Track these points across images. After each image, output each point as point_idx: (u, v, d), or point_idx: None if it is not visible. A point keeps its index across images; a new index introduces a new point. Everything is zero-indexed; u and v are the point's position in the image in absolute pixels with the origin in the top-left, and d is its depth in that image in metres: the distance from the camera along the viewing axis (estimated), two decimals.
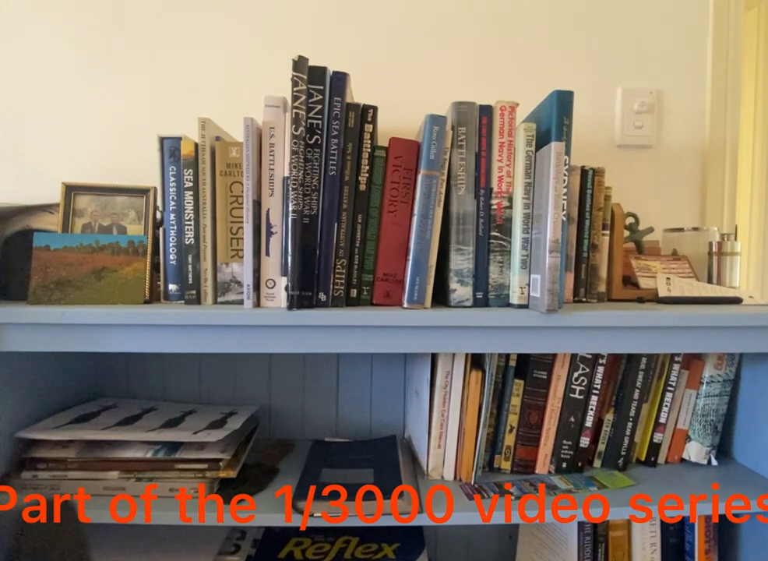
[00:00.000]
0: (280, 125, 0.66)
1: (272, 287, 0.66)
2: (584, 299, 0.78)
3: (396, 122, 0.98)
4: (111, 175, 0.96)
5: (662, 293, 0.79)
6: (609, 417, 0.80)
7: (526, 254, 0.67)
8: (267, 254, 0.66)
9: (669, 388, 0.80)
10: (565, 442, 0.78)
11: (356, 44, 0.97)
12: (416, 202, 0.66)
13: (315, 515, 0.65)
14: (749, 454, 0.82)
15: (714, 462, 0.82)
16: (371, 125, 0.67)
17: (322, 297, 0.66)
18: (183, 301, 0.69)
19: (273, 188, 0.66)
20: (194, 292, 0.68)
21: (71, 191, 0.73)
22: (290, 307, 0.62)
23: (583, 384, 0.77)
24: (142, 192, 0.75)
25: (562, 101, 0.64)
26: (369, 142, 0.67)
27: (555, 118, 0.64)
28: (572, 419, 0.78)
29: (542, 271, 0.61)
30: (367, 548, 0.80)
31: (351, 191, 0.67)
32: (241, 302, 0.68)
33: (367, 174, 0.68)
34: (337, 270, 0.67)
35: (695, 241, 0.89)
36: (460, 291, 0.68)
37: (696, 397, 0.82)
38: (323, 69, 0.65)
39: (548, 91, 0.99)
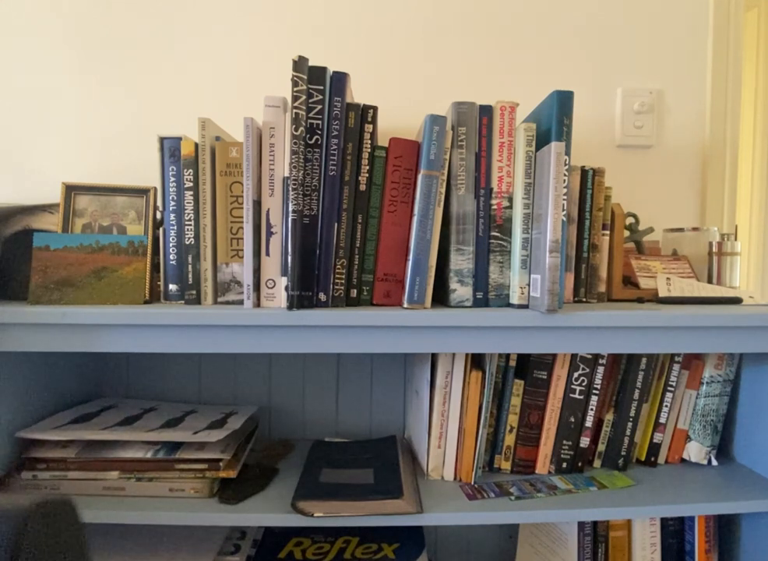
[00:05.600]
0: (280, 125, 0.66)
1: (272, 287, 0.66)
2: (584, 299, 0.78)
3: (396, 122, 0.98)
4: (111, 175, 0.96)
5: (662, 293, 0.79)
6: (609, 417, 0.80)
7: (526, 254, 0.67)
8: (267, 254, 0.66)
9: (669, 388, 0.80)
10: (565, 442, 0.78)
11: (356, 44, 0.97)
12: (416, 202, 0.66)
13: (315, 515, 0.65)
14: (749, 454, 0.82)
15: (714, 462, 0.82)
16: (371, 125, 0.67)
17: (322, 297, 0.66)
18: (183, 301, 0.69)
19: (273, 188, 0.66)
20: (194, 292, 0.68)
21: (71, 191, 0.73)
22: (290, 307, 0.62)
23: (583, 384, 0.77)
24: (142, 192, 0.75)
25: (562, 101, 0.64)
26: (369, 142, 0.67)
27: (555, 118, 0.64)
28: (572, 419, 0.78)
29: (542, 271, 0.61)
30: (367, 548, 0.80)
31: (351, 191, 0.67)
32: (241, 302, 0.68)
33: (367, 174, 0.68)
34: (337, 270, 0.67)
35: (695, 241, 0.89)
36: (460, 291, 0.68)
37: (696, 397, 0.82)
38: (323, 69, 0.65)
39: (548, 91, 0.99)
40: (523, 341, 0.65)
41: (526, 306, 0.67)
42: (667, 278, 0.81)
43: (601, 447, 0.81)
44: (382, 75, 0.98)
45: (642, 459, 0.83)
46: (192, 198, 0.68)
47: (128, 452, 0.71)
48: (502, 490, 0.73)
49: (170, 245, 0.70)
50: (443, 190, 0.66)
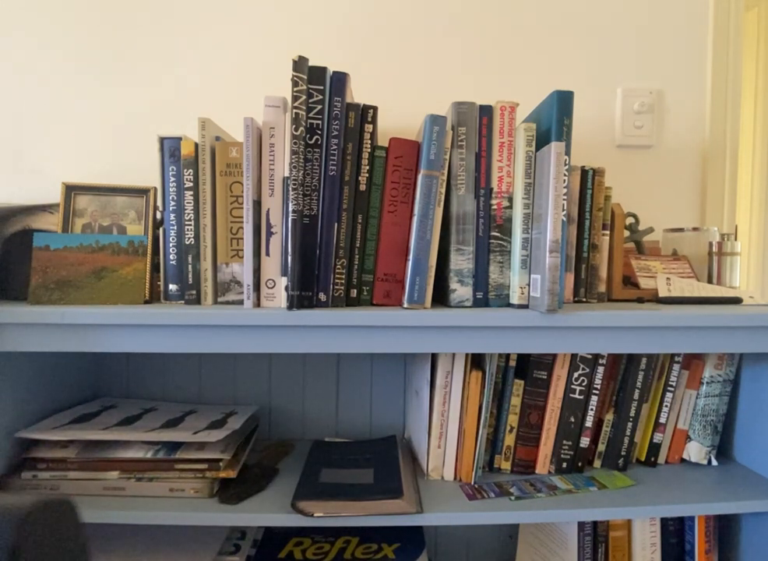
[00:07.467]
0: (280, 125, 0.66)
1: (272, 287, 0.66)
2: (584, 299, 0.78)
3: (396, 122, 0.98)
4: (111, 175, 0.96)
5: (662, 293, 0.79)
6: (609, 417, 0.80)
7: (526, 254, 0.67)
8: (267, 254, 0.66)
9: (669, 388, 0.80)
10: (565, 442, 0.78)
11: (356, 44, 0.97)
12: (416, 202, 0.66)
13: (315, 515, 0.65)
14: (749, 454, 0.82)
15: (714, 462, 0.82)
16: (371, 125, 0.67)
17: (322, 297, 0.66)
18: (183, 301, 0.69)
19: (273, 188, 0.66)
20: (194, 292, 0.68)
21: (71, 191, 0.73)
22: (290, 307, 0.62)
23: (583, 384, 0.77)
24: (142, 192, 0.75)
25: (562, 101, 0.64)
26: (369, 142, 0.67)
27: (555, 118, 0.64)
28: (572, 419, 0.78)
29: (542, 271, 0.61)
30: (367, 548, 0.80)
31: (351, 191, 0.67)
32: (241, 302, 0.68)
33: (367, 174, 0.68)
34: (337, 270, 0.67)
35: (695, 241, 0.89)
36: (460, 291, 0.68)
37: (696, 397, 0.82)
38: (323, 69, 0.65)
39: (548, 91, 0.99)
40: (523, 341, 0.65)
41: (526, 306, 0.67)
42: (667, 278, 0.81)
43: (601, 447, 0.81)
44: (382, 75, 0.98)
45: (642, 459, 0.83)
46: (192, 198, 0.68)
47: (128, 452, 0.71)
48: (502, 490, 0.73)
49: (170, 245, 0.70)
50: (443, 190, 0.66)
